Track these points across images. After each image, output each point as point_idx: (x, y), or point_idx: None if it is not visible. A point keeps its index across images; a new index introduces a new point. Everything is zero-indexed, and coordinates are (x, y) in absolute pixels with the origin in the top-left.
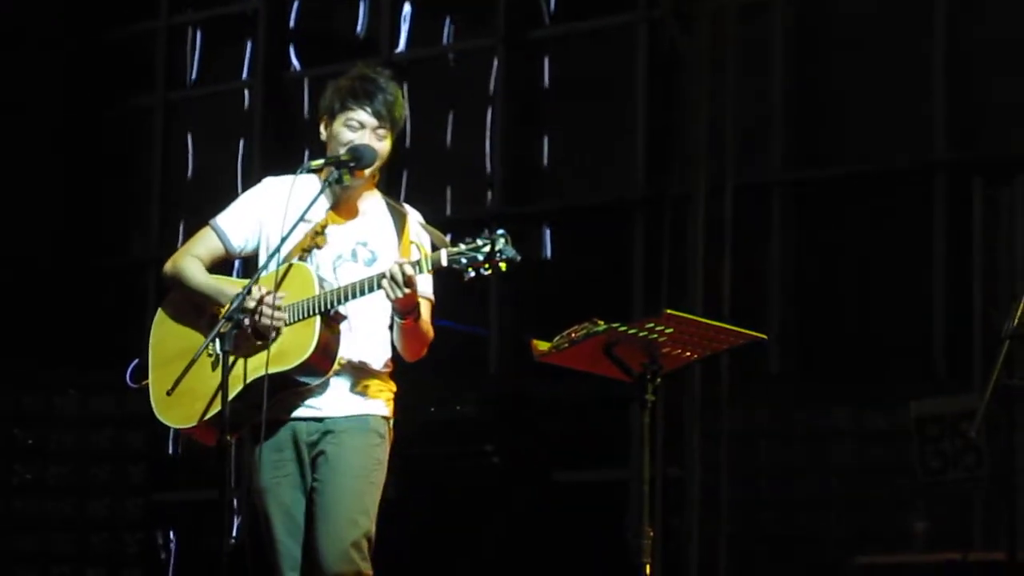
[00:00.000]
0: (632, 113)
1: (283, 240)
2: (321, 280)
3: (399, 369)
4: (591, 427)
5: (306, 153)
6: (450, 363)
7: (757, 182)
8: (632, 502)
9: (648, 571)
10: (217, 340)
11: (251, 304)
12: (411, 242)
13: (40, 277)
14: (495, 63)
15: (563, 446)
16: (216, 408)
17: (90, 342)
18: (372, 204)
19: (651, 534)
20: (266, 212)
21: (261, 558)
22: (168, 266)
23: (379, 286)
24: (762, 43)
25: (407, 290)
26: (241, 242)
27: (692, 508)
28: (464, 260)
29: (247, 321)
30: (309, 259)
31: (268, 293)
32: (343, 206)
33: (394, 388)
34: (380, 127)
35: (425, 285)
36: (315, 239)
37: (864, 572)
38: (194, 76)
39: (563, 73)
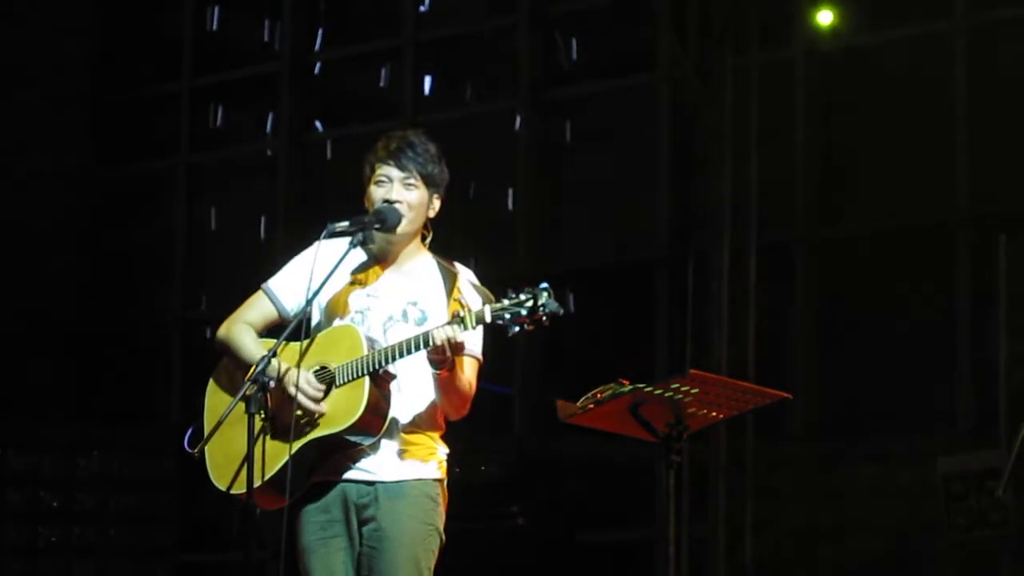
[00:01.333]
0: (654, 172)
1: (308, 303)
2: (371, 341)
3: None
4: (615, 487)
5: (329, 213)
6: (475, 423)
7: (780, 241)
8: (657, 562)
9: None
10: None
11: (297, 391)
12: (457, 300)
13: (61, 334)
14: (517, 122)
15: (588, 507)
16: (269, 473)
17: (114, 401)
18: (422, 263)
19: None
20: (316, 273)
21: None
22: (220, 331)
23: (425, 345)
24: (785, 100)
25: (457, 354)
26: (293, 305)
27: (717, 568)
28: (508, 315)
29: (290, 391)
30: (361, 320)
31: (307, 381)
32: (390, 264)
33: (447, 449)
34: (408, 178)
35: (472, 343)
36: (363, 299)
37: None
38: (218, 137)
39: (584, 131)
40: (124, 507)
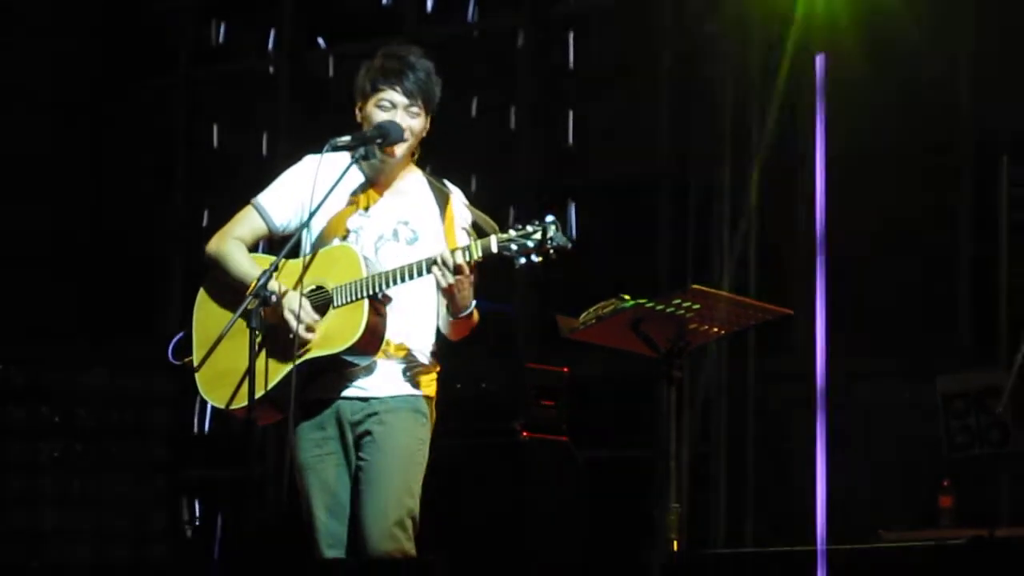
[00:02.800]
0: (657, 90)
1: (311, 216)
2: (367, 261)
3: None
4: (616, 404)
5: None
6: (476, 340)
7: (783, 157)
8: (657, 478)
9: (675, 546)
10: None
11: (291, 315)
12: (454, 222)
13: (64, 252)
14: (519, 40)
15: (589, 423)
16: (262, 389)
17: (115, 317)
18: (413, 182)
19: (678, 510)
20: (307, 190)
21: (296, 534)
22: (210, 246)
23: (428, 271)
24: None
25: (458, 277)
26: (283, 221)
27: (718, 483)
28: (515, 247)
29: (286, 315)
30: (355, 240)
31: (302, 307)
32: (383, 184)
33: (438, 368)
34: (412, 105)
35: None
36: (356, 219)
37: (890, 547)
38: (219, 54)
39: (588, 50)
40: (125, 423)
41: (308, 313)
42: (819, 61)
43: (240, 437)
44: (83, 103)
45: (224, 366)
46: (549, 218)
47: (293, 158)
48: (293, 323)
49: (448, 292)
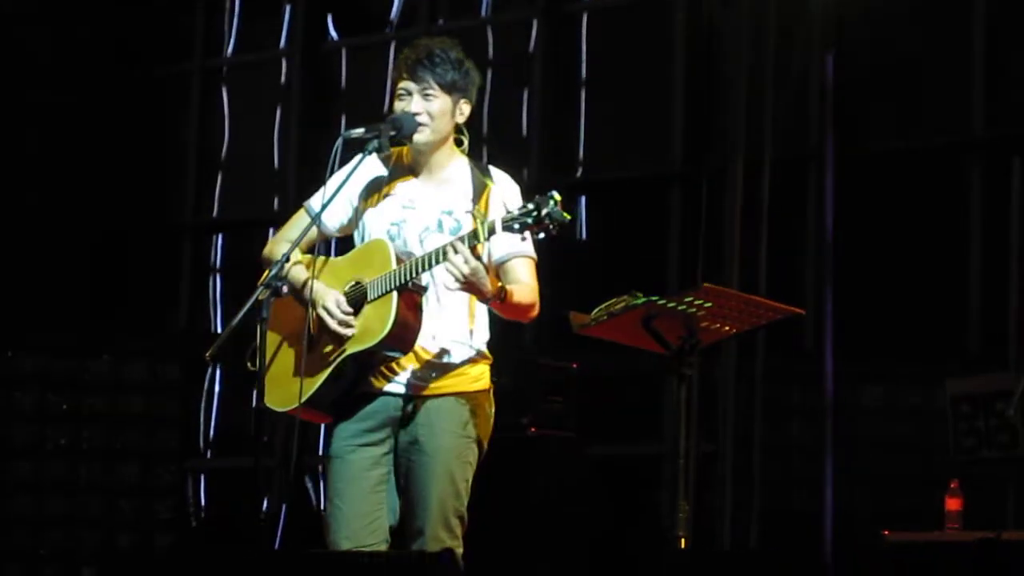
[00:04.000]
0: (669, 86)
1: (323, 208)
2: (407, 254)
3: None
4: (624, 400)
5: (343, 122)
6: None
7: (794, 157)
8: (665, 476)
9: (682, 545)
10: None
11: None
12: (470, 213)
13: (75, 242)
14: (533, 34)
15: (598, 419)
16: (309, 391)
17: (124, 307)
18: (455, 170)
19: (686, 508)
20: (352, 188)
21: (304, 524)
22: (265, 250)
23: (441, 259)
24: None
25: (471, 264)
26: (335, 222)
27: (725, 483)
28: (517, 225)
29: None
30: (397, 233)
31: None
32: (426, 175)
33: (489, 359)
34: (426, 89)
35: (515, 245)
36: (401, 211)
37: (895, 549)
38: (232, 45)
39: (600, 45)
40: (132, 411)
41: (341, 305)
42: (829, 60)
43: (249, 427)
44: (96, 93)
45: (277, 368)
46: (550, 193)
47: (305, 151)
48: (328, 320)
49: (466, 285)
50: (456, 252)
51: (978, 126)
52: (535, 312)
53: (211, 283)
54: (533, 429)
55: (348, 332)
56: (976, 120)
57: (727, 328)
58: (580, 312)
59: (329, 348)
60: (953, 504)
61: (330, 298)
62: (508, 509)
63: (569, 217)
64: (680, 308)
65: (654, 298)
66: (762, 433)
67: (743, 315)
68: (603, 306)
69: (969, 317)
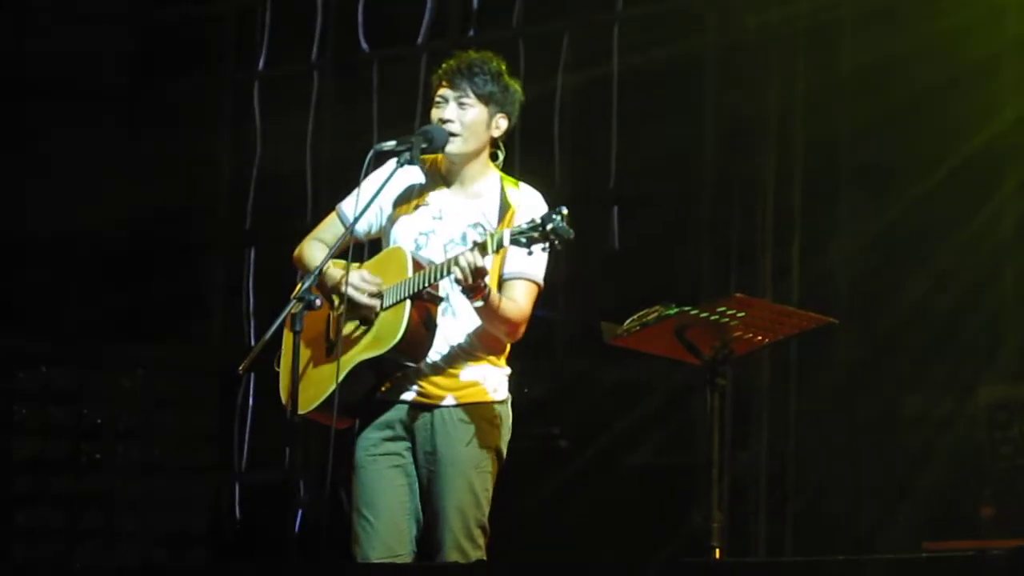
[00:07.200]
0: (700, 95)
1: (356, 220)
2: (429, 263)
3: None
4: (657, 411)
5: (375, 134)
6: (518, 346)
7: (826, 164)
8: (699, 486)
9: (717, 555)
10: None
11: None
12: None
13: (107, 256)
14: (564, 45)
15: (630, 429)
16: (323, 395)
17: (156, 320)
18: (489, 185)
19: (720, 517)
20: (386, 194)
21: (336, 536)
22: (296, 251)
23: (450, 271)
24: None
25: (478, 263)
26: (364, 226)
27: (759, 493)
28: (524, 239)
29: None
30: (425, 243)
31: (360, 275)
32: (458, 188)
33: (507, 370)
34: (462, 97)
35: (525, 265)
36: (429, 222)
37: (931, 558)
38: (264, 56)
39: (632, 55)
40: (167, 425)
41: (367, 278)
42: None
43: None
44: (128, 105)
45: (303, 372)
46: (556, 209)
47: (337, 164)
48: (358, 297)
49: (467, 283)
50: (459, 272)
51: (1009, 125)
52: (517, 334)
53: (244, 296)
54: (563, 442)
55: (375, 303)
56: (1008, 119)
57: (760, 338)
58: (612, 323)
59: (346, 353)
60: (988, 512)
61: (355, 275)
62: (537, 519)
63: (573, 234)
64: (713, 318)
65: (686, 308)
66: (796, 442)
67: (776, 325)
68: (636, 316)
69: (1004, 323)
